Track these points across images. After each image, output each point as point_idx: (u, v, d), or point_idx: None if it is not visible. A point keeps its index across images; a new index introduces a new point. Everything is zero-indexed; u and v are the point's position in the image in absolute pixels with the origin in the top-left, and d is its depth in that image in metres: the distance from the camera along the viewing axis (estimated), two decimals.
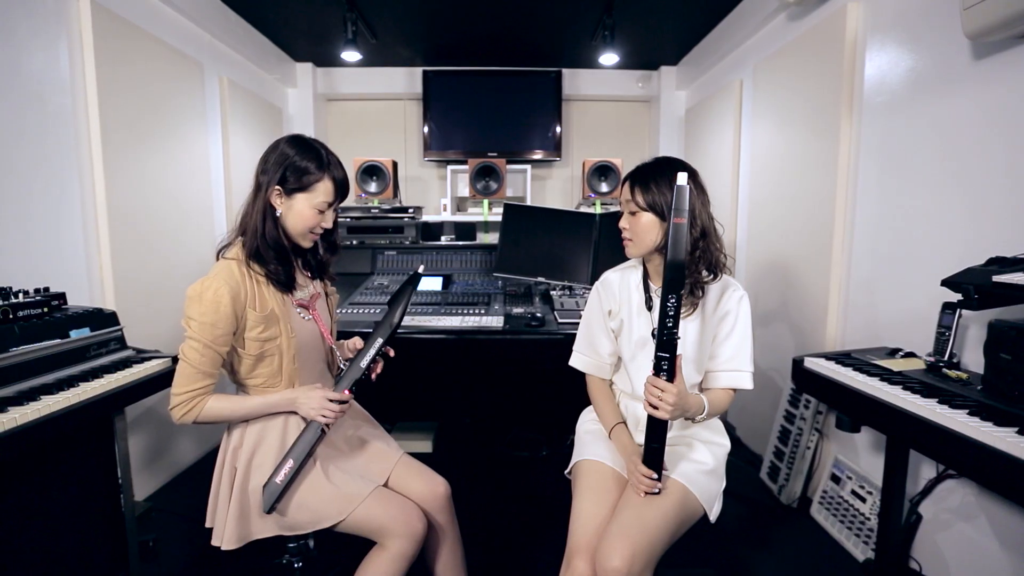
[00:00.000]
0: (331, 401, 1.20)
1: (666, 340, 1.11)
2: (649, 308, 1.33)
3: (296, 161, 1.19)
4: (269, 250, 1.20)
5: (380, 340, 1.24)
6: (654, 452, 1.17)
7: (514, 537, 1.98)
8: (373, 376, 1.30)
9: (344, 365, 1.29)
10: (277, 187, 1.19)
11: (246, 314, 1.17)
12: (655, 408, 1.12)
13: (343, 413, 1.23)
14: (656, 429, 1.16)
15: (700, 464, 1.28)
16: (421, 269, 1.36)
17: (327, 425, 1.21)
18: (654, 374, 1.13)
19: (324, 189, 1.20)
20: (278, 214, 1.20)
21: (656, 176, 1.25)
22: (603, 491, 1.25)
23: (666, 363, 1.12)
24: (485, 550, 1.85)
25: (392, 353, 1.32)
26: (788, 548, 1.94)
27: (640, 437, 1.27)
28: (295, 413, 1.24)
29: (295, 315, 1.26)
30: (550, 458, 2.61)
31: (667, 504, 1.17)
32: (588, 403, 1.51)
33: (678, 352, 1.12)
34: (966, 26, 1.39)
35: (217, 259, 1.23)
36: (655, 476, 1.17)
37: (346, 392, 1.23)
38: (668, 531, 1.15)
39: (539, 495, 2.28)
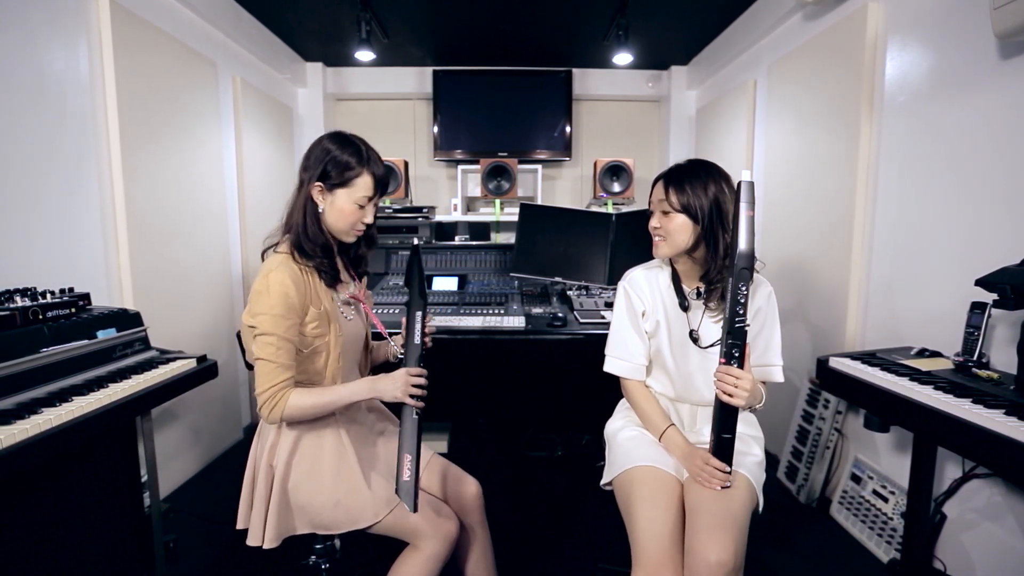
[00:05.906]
0: (412, 376, 1.18)
1: (737, 328, 1.09)
2: (684, 309, 1.32)
3: (336, 156, 1.20)
4: (315, 247, 1.21)
5: (419, 314, 1.24)
6: (726, 443, 1.14)
7: (536, 537, 1.97)
8: (429, 345, 1.30)
9: (400, 351, 1.28)
10: (318, 183, 1.20)
11: (307, 306, 1.18)
12: (730, 396, 1.10)
13: (425, 390, 1.19)
14: (727, 419, 1.13)
15: (754, 456, 1.28)
16: (416, 241, 1.37)
17: (418, 409, 1.17)
18: (724, 363, 1.11)
19: (364, 184, 1.21)
20: (320, 210, 1.21)
21: (691, 178, 1.25)
22: (664, 496, 1.19)
23: (737, 351, 1.10)
24: (507, 550, 1.85)
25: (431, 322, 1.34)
26: (811, 548, 1.94)
27: (691, 438, 1.28)
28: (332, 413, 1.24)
29: (340, 314, 1.27)
30: (566, 459, 2.60)
31: (743, 496, 1.15)
32: (607, 404, 1.48)
33: (747, 341, 1.11)
34: (996, 25, 1.39)
35: (262, 258, 1.24)
36: (727, 469, 1.14)
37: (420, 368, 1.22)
38: (747, 523, 1.13)
39: (558, 496, 2.28)
